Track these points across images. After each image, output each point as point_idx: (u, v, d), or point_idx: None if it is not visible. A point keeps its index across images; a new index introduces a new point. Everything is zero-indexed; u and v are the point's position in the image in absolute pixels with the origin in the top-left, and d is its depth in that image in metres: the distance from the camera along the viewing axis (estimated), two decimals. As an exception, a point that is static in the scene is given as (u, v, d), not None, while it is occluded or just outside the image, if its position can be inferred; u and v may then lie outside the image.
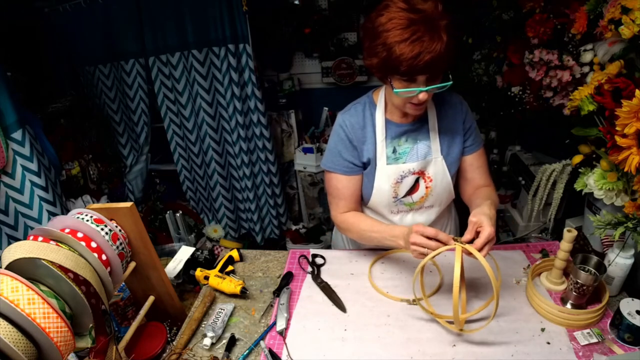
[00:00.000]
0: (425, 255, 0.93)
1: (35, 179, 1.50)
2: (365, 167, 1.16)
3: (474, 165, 1.20)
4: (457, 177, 1.23)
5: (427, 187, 1.16)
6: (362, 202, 1.25)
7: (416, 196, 1.17)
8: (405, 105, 1.03)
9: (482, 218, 0.93)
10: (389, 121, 1.13)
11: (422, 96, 0.96)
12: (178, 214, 2.40)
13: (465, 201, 1.27)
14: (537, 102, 1.54)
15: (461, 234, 1.37)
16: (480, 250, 0.89)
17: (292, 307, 1.10)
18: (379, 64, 0.95)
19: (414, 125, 1.13)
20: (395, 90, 0.97)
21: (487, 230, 0.90)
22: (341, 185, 1.18)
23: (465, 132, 1.16)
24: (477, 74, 2.08)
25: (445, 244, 0.92)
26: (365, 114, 1.14)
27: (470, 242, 0.92)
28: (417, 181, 1.15)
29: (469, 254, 0.90)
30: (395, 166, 1.13)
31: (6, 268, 0.74)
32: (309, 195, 2.64)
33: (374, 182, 1.15)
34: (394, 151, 1.14)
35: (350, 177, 1.17)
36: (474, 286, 1.10)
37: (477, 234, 0.93)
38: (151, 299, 1.10)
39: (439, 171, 1.14)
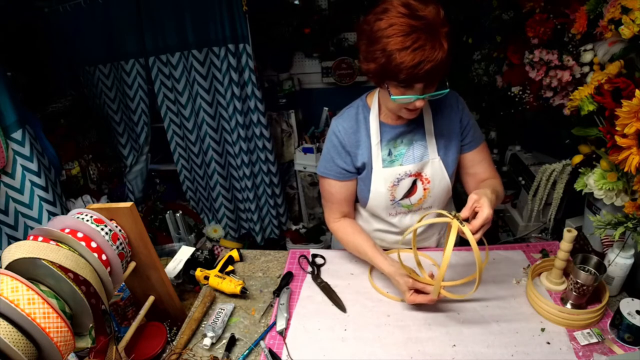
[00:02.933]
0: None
1: (35, 179, 1.50)
2: (359, 172, 1.16)
3: (475, 160, 1.18)
4: (461, 173, 1.22)
5: (425, 189, 1.15)
6: (359, 204, 1.25)
7: (414, 198, 1.16)
8: (400, 110, 1.02)
9: (483, 199, 0.91)
10: (383, 124, 1.12)
11: (419, 103, 0.95)
12: (178, 214, 2.40)
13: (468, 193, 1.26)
14: (537, 102, 1.54)
15: (461, 238, 1.37)
16: (475, 232, 0.88)
17: (292, 307, 1.10)
18: (376, 69, 0.93)
19: (409, 126, 1.12)
20: (392, 97, 0.96)
21: (486, 211, 0.88)
22: (334, 190, 1.18)
23: (462, 130, 1.15)
24: (477, 74, 2.08)
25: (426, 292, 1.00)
26: (359, 118, 1.13)
27: (467, 221, 0.92)
28: (414, 183, 1.14)
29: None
30: (391, 169, 1.12)
31: (6, 268, 0.74)
32: (309, 195, 2.64)
33: (371, 185, 1.14)
34: (390, 154, 1.13)
35: (343, 182, 1.17)
36: (466, 274, 1.09)
37: (475, 214, 0.91)
38: (151, 299, 1.10)
39: (436, 172, 1.14)
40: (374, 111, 1.11)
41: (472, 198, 0.92)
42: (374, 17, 0.91)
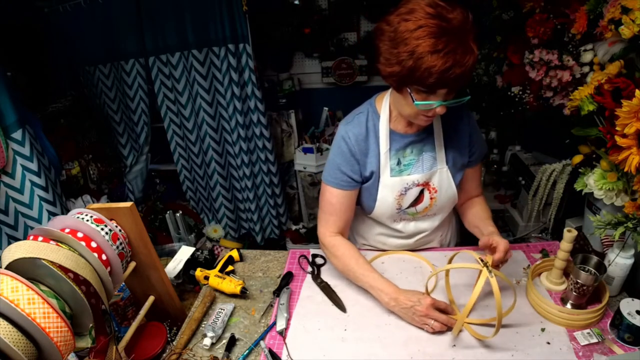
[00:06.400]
0: (430, 326, 0.97)
1: (35, 179, 1.50)
2: (364, 181, 1.13)
3: (471, 176, 1.20)
4: None
5: (431, 198, 1.14)
6: (363, 211, 1.22)
7: (420, 207, 1.15)
8: (417, 117, 0.98)
9: (493, 237, 0.99)
10: (393, 132, 1.09)
11: (440, 110, 0.92)
12: (178, 214, 2.40)
13: (456, 207, 1.27)
14: (537, 102, 1.54)
15: (462, 238, 1.38)
16: (502, 262, 0.97)
17: (292, 307, 1.10)
18: (402, 73, 0.88)
19: (419, 135, 1.09)
20: (416, 102, 0.91)
21: (502, 243, 0.97)
22: (335, 200, 1.13)
23: (472, 147, 1.14)
24: (477, 74, 2.08)
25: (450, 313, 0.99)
26: (368, 125, 1.09)
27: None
28: (421, 192, 1.13)
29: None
30: (400, 178, 1.10)
31: (6, 268, 0.74)
32: (309, 195, 2.64)
33: (378, 194, 1.12)
34: (399, 163, 1.10)
35: (346, 192, 1.12)
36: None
37: (494, 249, 0.98)
38: (151, 299, 1.10)
39: (443, 181, 1.12)
40: (383, 118, 1.07)
41: (486, 243, 1.00)
42: (398, 18, 0.86)
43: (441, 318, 0.96)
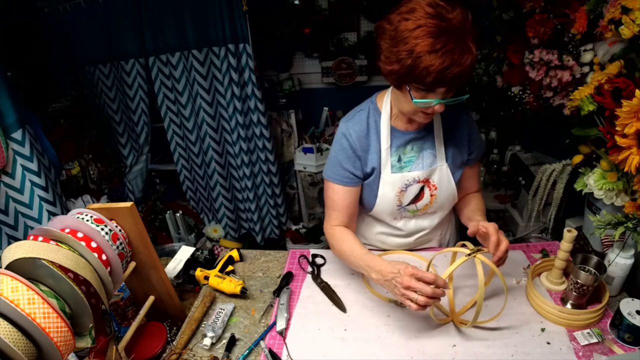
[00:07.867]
0: (414, 301, 0.87)
1: (35, 179, 1.50)
2: (366, 177, 1.13)
3: (470, 174, 1.20)
4: None
5: (431, 195, 1.14)
6: (364, 209, 1.22)
7: (420, 204, 1.15)
8: (416, 114, 0.99)
9: (480, 222, 1.00)
10: (394, 129, 1.10)
11: (439, 108, 0.93)
12: (178, 214, 2.40)
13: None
14: (537, 102, 1.54)
15: (462, 237, 1.38)
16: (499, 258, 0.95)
17: (292, 307, 1.10)
18: (401, 71, 0.89)
19: (419, 133, 1.10)
20: (414, 100, 0.92)
21: (491, 225, 0.97)
22: (337, 196, 1.14)
23: (470, 145, 1.14)
24: (477, 74, 2.09)
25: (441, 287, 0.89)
26: (369, 122, 1.10)
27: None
28: (421, 189, 1.13)
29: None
30: (400, 175, 1.11)
31: (6, 268, 0.74)
32: (309, 195, 2.64)
33: (378, 190, 1.12)
34: (399, 160, 1.11)
35: (348, 188, 1.13)
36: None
37: (486, 235, 0.98)
38: (151, 299, 1.10)
39: (443, 178, 1.13)
40: (385, 115, 1.09)
41: (479, 230, 1.01)
42: (398, 17, 0.88)
43: (424, 290, 0.85)
